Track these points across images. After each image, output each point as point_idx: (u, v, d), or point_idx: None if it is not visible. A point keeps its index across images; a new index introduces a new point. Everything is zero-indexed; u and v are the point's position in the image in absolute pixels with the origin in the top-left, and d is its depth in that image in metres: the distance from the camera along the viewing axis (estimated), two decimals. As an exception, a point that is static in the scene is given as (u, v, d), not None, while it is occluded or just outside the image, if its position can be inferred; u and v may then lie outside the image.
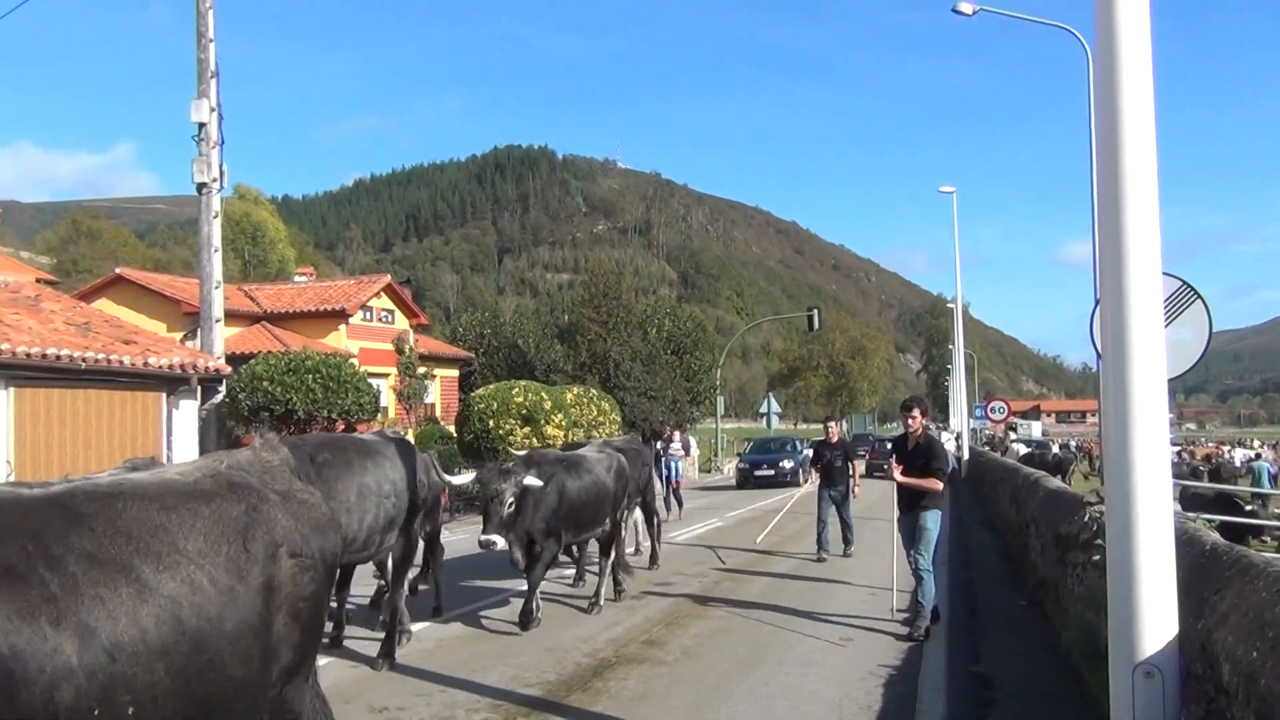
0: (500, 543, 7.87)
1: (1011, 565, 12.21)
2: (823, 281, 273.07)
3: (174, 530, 2.89)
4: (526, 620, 8.52)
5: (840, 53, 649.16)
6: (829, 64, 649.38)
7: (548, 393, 21.61)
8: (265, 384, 16.21)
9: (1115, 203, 3.71)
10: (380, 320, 27.63)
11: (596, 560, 10.41)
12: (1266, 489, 21.85)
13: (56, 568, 2.55)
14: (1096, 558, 6.12)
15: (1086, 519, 7.58)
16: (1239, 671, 3.36)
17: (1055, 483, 12.52)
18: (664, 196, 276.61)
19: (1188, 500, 15.89)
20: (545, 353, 34.40)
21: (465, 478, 8.64)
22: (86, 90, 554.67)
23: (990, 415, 41.11)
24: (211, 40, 15.49)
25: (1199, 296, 6.64)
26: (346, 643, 8.03)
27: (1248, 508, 16.01)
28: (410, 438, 23.51)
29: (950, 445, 28.67)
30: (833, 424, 14.37)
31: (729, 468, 35.96)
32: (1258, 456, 34.06)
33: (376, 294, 27.50)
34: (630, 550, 12.40)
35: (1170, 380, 4.54)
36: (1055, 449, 45.13)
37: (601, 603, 9.56)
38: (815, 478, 13.65)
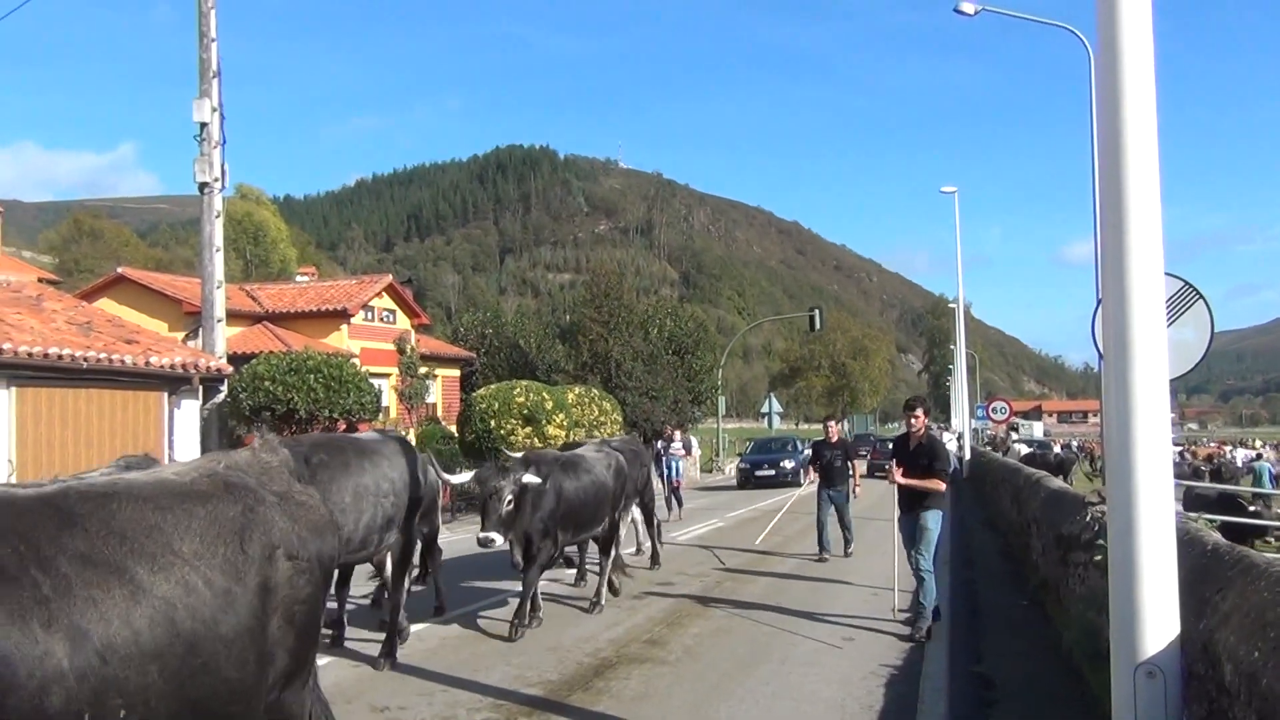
0: (499, 540, 7.86)
1: (1013, 565, 12.20)
2: (824, 281, 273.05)
3: (169, 531, 2.86)
4: (513, 628, 8.19)
5: (841, 53, 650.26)
6: (830, 64, 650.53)
7: (549, 393, 21.61)
8: (267, 384, 16.22)
9: (1117, 202, 3.70)
10: (382, 320, 27.64)
11: (598, 560, 10.41)
12: (1268, 489, 21.82)
13: (49, 569, 2.52)
14: (1098, 558, 6.11)
15: (1088, 519, 7.57)
16: (1241, 671, 3.36)
17: (1057, 483, 12.51)
18: (665, 196, 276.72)
19: (1191, 501, 15.90)
20: (547, 353, 34.40)
21: (463, 477, 8.62)
22: (89, 90, 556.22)
23: (992, 415, 41.08)
24: (214, 40, 15.49)
25: (1201, 296, 6.63)
26: (347, 643, 8.03)
27: (1251, 508, 15.99)
28: (412, 438, 23.60)
29: (952, 445, 28.62)
30: (832, 423, 14.21)
31: (730, 468, 35.95)
32: (1259, 457, 34.06)
33: (378, 294, 27.51)
34: (631, 550, 12.40)
35: (1172, 380, 4.54)
36: (1057, 449, 45.10)
37: (603, 602, 9.55)
38: (814, 478, 13.56)
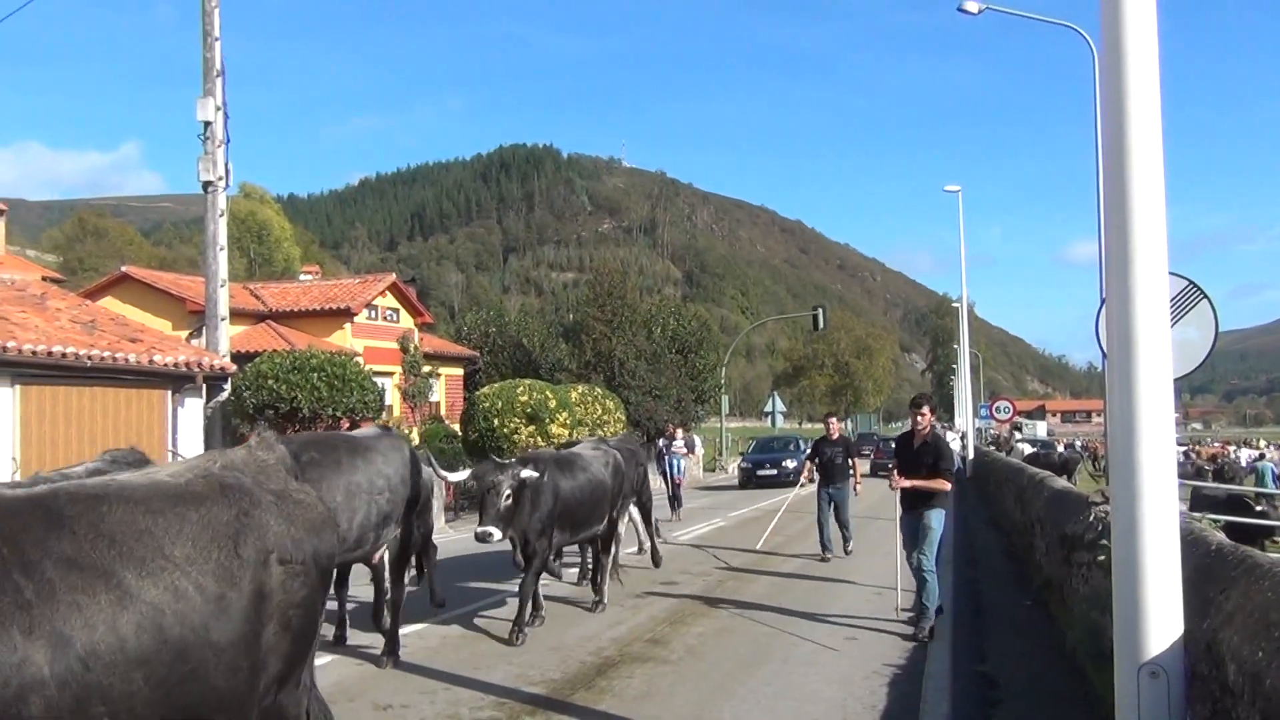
0: (497, 534, 7.84)
1: (1016, 565, 12.18)
2: (828, 281, 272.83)
3: (160, 535, 2.80)
4: (514, 633, 8.07)
5: (842, 52, 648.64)
6: (831, 64, 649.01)
7: (552, 391, 21.58)
8: (270, 382, 16.24)
9: (1122, 202, 3.69)
10: (385, 319, 27.67)
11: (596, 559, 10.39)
12: (1270, 489, 21.76)
13: (32, 573, 2.47)
14: (1101, 558, 6.10)
15: (1091, 519, 7.55)
16: (1244, 671, 3.35)
17: (1060, 482, 12.49)
18: (669, 195, 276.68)
19: (1199, 501, 15.83)
20: (550, 351, 34.39)
21: (461, 475, 8.60)
22: (92, 89, 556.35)
23: (995, 415, 41.10)
24: (217, 39, 15.49)
25: (1205, 296, 6.62)
26: (349, 641, 8.03)
27: (1258, 508, 15.92)
28: (415, 436, 23.63)
29: (955, 444, 28.60)
30: (834, 420, 14.11)
31: (733, 467, 35.95)
32: (1261, 457, 33.97)
33: (381, 293, 27.53)
34: (633, 550, 12.40)
35: (1176, 380, 4.53)
36: (1060, 449, 45.06)
37: (605, 601, 9.56)
38: (814, 475, 13.46)
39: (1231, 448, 46.23)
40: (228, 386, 16.34)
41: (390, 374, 26.79)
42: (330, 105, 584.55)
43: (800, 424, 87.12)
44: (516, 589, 8.68)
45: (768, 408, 42.91)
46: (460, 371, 31.87)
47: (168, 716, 2.67)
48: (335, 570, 4.45)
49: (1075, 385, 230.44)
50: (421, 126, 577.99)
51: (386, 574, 7.94)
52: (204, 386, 15.54)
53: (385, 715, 6.13)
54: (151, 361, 14.27)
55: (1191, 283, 6.62)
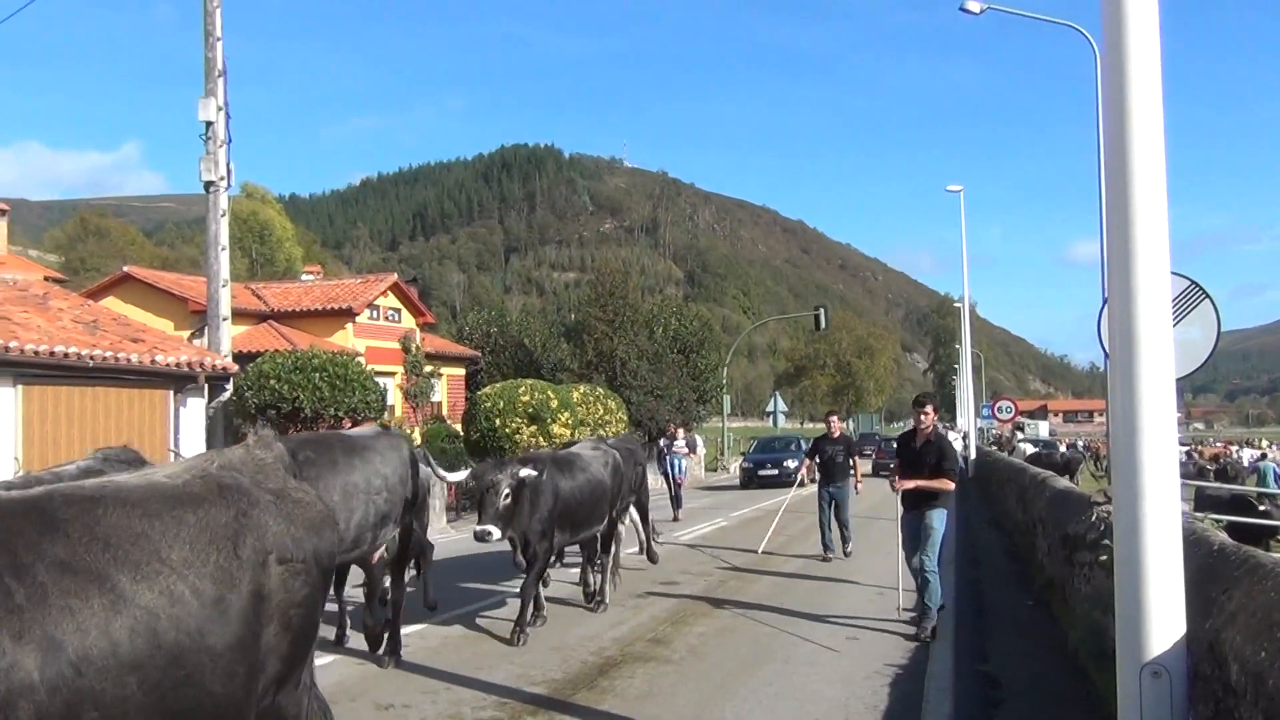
0: (496, 533, 7.83)
1: (1018, 565, 12.18)
2: (829, 280, 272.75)
3: (156, 538, 2.76)
4: (515, 635, 8.05)
5: (843, 53, 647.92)
6: (831, 64, 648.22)
7: (554, 391, 21.59)
8: (272, 382, 16.25)
9: (1124, 202, 3.69)
10: (387, 319, 27.68)
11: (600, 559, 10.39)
12: (1273, 489, 21.72)
13: (23, 577, 2.44)
14: (1104, 558, 6.10)
15: (1094, 519, 7.55)
16: (1247, 671, 3.34)
17: (1062, 482, 12.49)
18: (670, 195, 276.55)
19: (1203, 501, 15.81)
20: (551, 351, 34.41)
21: (460, 475, 8.59)
22: (94, 89, 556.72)
23: (997, 415, 41.07)
24: (219, 39, 15.50)
25: (1207, 296, 6.61)
26: (350, 641, 8.03)
27: (1261, 508, 15.89)
28: (417, 436, 23.63)
29: (958, 444, 28.58)
30: (835, 418, 14.03)
31: (735, 467, 35.94)
32: (1264, 456, 33.93)
33: (383, 293, 27.55)
34: (634, 550, 12.40)
35: (1178, 380, 4.52)
36: (1062, 449, 45.02)
37: (607, 601, 9.56)
38: (814, 474, 13.39)
39: (1234, 448, 46.20)
40: (230, 386, 16.36)
41: (392, 374, 26.80)
42: (331, 105, 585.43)
43: (802, 424, 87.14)
44: (515, 589, 8.68)
45: (769, 408, 42.91)
46: (462, 371, 31.88)
47: None
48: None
49: (1077, 385, 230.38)
50: (423, 126, 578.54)
51: (375, 574, 7.89)
52: (206, 386, 15.56)
53: (387, 715, 6.13)
54: (153, 361, 14.28)
55: (1193, 282, 6.61)
